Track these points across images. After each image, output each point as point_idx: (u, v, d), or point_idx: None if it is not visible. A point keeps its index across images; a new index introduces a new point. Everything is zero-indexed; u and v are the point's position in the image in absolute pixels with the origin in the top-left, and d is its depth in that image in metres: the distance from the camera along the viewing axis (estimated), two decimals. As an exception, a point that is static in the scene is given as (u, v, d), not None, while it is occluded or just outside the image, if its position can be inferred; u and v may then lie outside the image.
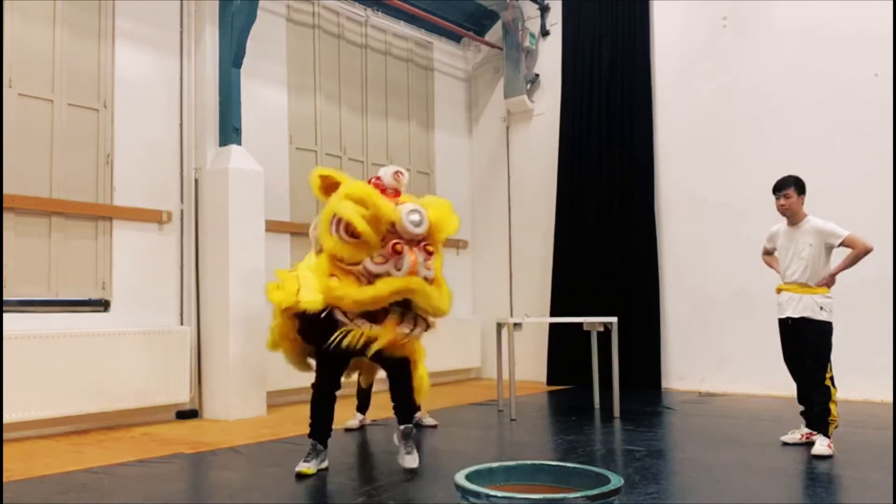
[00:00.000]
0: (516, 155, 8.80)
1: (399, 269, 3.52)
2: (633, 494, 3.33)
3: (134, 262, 5.79)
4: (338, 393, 4.04)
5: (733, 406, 6.25)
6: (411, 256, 3.53)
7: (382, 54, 8.09)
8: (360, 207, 3.52)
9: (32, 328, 5.11)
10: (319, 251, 3.78)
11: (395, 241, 3.51)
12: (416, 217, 3.59)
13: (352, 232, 3.50)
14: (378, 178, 3.80)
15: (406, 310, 3.69)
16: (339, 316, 3.60)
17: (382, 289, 3.49)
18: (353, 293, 3.50)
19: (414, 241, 3.60)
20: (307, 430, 3.98)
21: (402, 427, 4.02)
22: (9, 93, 5.17)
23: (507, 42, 8.57)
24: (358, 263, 3.53)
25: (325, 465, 3.95)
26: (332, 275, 3.57)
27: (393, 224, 3.55)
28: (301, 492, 3.57)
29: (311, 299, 3.66)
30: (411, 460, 3.93)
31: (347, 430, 5.17)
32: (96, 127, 5.66)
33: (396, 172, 3.80)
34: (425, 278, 3.60)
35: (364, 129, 7.79)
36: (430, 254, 3.63)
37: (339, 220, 3.53)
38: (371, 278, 3.53)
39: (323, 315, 3.64)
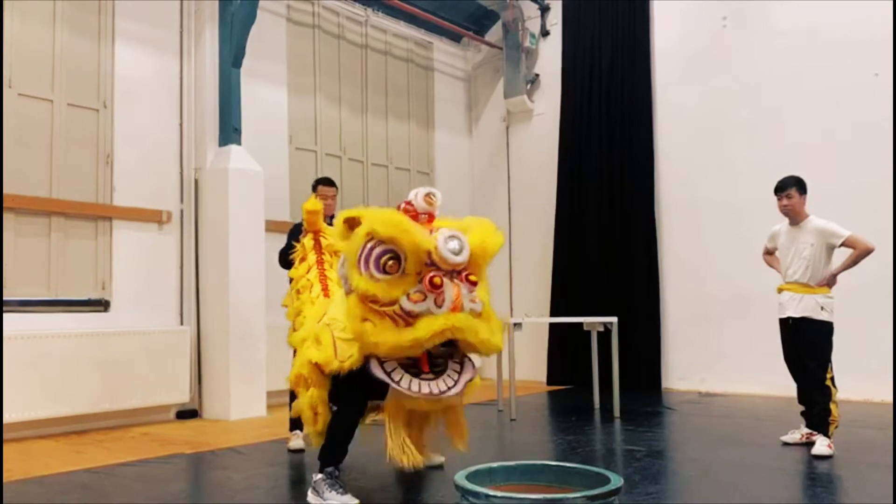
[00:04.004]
0: (516, 155, 8.80)
1: (440, 306, 3.02)
2: (633, 494, 3.33)
3: (134, 262, 5.79)
4: None
5: (733, 406, 6.24)
6: (453, 289, 3.05)
7: (382, 54, 8.09)
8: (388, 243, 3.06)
9: (32, 328, 5.11)
10: (349, 291, 3.26)
11: (432, 273, 3.02)
12: (454, 244, 3.08)
13: (384, 267, 3.04)
14: (409, 203, 3.33)
15: (450, 356, 3.24)
16: (376, 370, 3.11)
17: (423, 330, 2.99)
18: (389, 338, 3.00)
19: (455, 272, 3.10)
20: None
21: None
22: (9, 93, 5.17)
23: (507, 42, 8.56)
24: (393, 303, 3.03)
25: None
26: (364, 319, 3.07)
27: (429, 254, 3.05)
28: (301, 492, 3.56)
29: (350, 355, 3.18)
30: (439, 455, 3.99)
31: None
32: (96, 127, 5.66)
33: (428, 195, 3.30)
34: (471, 312, 3.12)
35: (364, 129, 7.78)
36: (473, 284, 3.13)
37: (369, 255, 3.07)
38: (409, 319, 3.03)
39: (358, 370, 3.18)
